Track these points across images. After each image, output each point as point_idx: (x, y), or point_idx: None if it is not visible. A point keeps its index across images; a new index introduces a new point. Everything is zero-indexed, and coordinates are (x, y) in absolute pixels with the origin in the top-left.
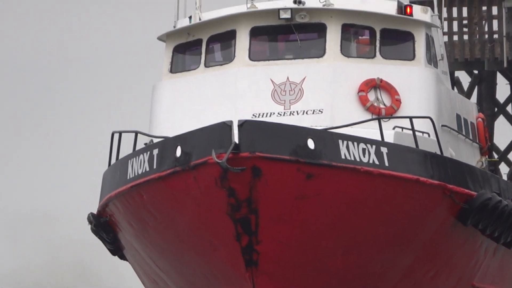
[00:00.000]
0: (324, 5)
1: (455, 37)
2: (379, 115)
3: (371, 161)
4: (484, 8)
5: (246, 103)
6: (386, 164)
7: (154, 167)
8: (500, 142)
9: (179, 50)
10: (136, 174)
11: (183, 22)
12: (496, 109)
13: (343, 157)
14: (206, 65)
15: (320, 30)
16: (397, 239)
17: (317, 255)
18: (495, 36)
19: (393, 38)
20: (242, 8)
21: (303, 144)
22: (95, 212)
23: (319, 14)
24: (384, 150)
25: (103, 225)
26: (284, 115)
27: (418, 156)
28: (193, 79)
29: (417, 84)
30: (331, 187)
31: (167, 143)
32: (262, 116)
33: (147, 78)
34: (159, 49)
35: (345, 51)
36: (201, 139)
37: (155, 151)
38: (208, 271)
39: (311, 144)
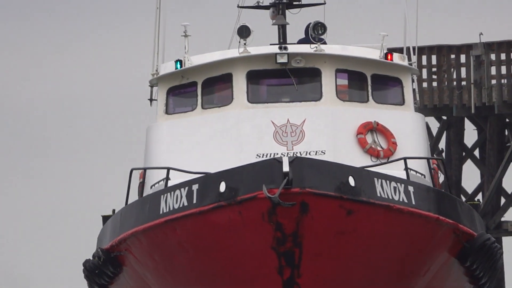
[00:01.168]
0: (315, 51)
1: (425, 84)
2: (378, 157)
3: (401, 199)
4: (453, 56)
5: (249, 143)
6: (413, 202)
7: (194, 202)
8: (468, 185)
9: (173, 92)
10: (170, 209)
11: (168, 66)
12: (464, 154)
13: (378, 194)
14: (203, 107)
15: (315, 75)
16: (413, 273)
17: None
18: (463, 83)
19: (383, 83)
20: (234, 52)
21: (345, 181)
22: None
23: (313, 59)
24: (411, 189)
25: (111, 260)
26: (287, 155)
27: (436, 196)
28: (191, 120)
29: (410, 128)
30: (366, 223)
31: (210, 179)
32: (266, 156)
33: (130, 119)
34: (142, 92)
35: (340, 95)
36: (249, 175)
37: (195, 187)
38: None
39: (351, 181)
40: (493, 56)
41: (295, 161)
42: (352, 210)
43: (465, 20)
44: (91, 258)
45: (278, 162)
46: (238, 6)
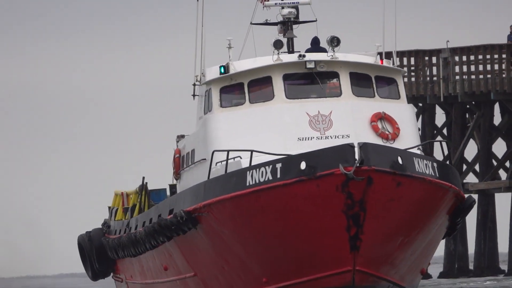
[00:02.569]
0: (331, 59)
1: (405, 79)
2: (387, 139)
3: (430, 173)
4: (426, 58)
5: (291, 130)
6: (437, 175)
7: (278, 176)
8: (438, 155)
9: (224, 90)
10: (256, 182)
11: (213, 70)
12: (435, 132)
13: (416, 169)
14: (250, 102)
15: (334, 76)
16: (430, 228)
17: (390, 243)
18: (434, 78)
19: (383, 83)
20: (269, 60)
21: (396, 160)
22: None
23: (333, 65)
24: (435, 165)
25: (192, 219)
26: (321, 139)
27: (447, 169)
28: (241, 112)
29: (406, 117)
30: (408, 192)
31: (291, 159)
32: (305, 140)
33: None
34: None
35: (355, 92)
36: (326, 156)
37: (278, 165)
38: (312, 254)
39: (400, 160)
40: (457, 58)
41: (363, 146)
42: (401, 182)
43: (435, 30)
44: (164, 218)
45: (350, 147)
46: (251, 23)
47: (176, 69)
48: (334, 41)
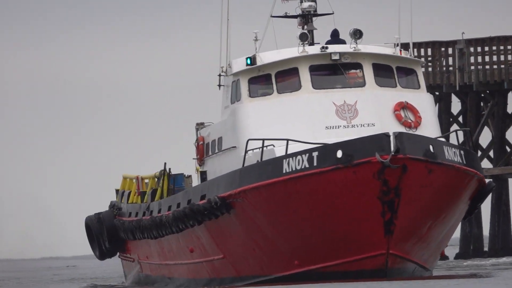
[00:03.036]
0: (354, 50)
1: (422, 69)
2: (410, 127)
3: (457, 160)
4: (443, 49)
5: (318, 118)
6: (464, 162)
7: (315, 164)
8: (454, 141)
9: (253, 81)
10: (293, 169)
11: (239, 61)
12: (451, 119)
13: (446, 157)
14: (278, 92)
15: (358, 67)
16: (455, 211)
17: (420, 227)
18: (450, 68)
19: (403, 73)
20: (294, 52)
21: (428, 148)
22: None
23: (356, 56)
24: (462, 152)
25: (226, 204)
26: (348, 127)
27: (472, 156)
28: (270, 102)
29: (426, 105)
30: (438, 178)
31: (328, 148)
32: (332, 128)
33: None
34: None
35: (378, 82)
36: (362, 145)
37: (315, 153)
38: (347, 238)
39: (431, 148)
40: (472, 49)
41: (398, 135)
42: (432, 169)
43: (451, 22)
44: (195, 203)
45: (386, 136)
46: (271, 16)
47: (195, 60)
48: (357, 34)
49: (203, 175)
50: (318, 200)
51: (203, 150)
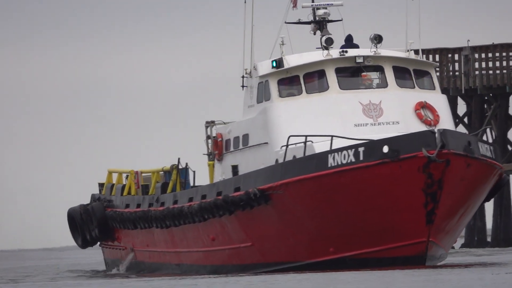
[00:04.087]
0: (374, 53)
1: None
2: (430, 125)
3: (490, 155)
4: (449, 55)
5: (347, 117)
6: (493, 156)
7: (361, 159)
8: None
9: (282, 82)
10: (338, 163)
11: (264, 64)
12: (457, 120)
13: (481, 152)
14: (307, 92)
15: (380, 70)
16: (480, 201)
17: (454, 217)
18: (457, 73)
19: (420, 75)
20: (319, 55)
21: (467, 144)
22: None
23: (378, 59)
24: (492, 148)
25: (264, 196)
26: (374, 125)
27: (496, 150)
28: (300, 102)
29: (442, 105)
30: (475, 172)
31: (374, 143)
32: (360, 126)
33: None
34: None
35: (398, 83)
36: (408, 141)
37: (361, 149)
38: (389, 226)
39: (469, 144)
40: (476, 55)
41: (443, 132)
42: (470, 164)
43: (457, 30)
44: (228, 195)
45: (432, 133)
46: (286, 22)
47: (203, 61)
48: (377, 38)
49: (235, 169)
50: (363, 192)
51: (222, 146)
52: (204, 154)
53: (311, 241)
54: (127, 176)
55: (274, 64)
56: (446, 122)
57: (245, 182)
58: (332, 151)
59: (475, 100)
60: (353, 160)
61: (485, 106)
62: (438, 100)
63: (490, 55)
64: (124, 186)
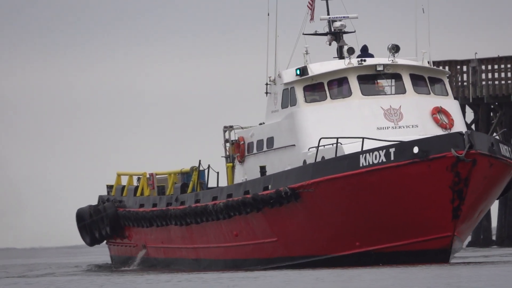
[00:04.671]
0: (392, 62)
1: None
2: (446, 128)
3: (509, 155)
4: (458, 67)
5: (370, 121)
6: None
7: (392, 159)
8: None
9: (307, 89)
10: (370, 163)
11: (289, 72)
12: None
13: (502, 153)
14: (331, 98)
15: (398, 77)
16: (495, 198)
17: (475, 212)
18: (465, 83)
19: (434, 82)
20: (341, 63)
21: (490, 145)
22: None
23: (396, 67)
24: (510, 149)
25: (295, 194)
26: (395, 128)
27: None
28: (325, 107)
29: (455, 110)
30: (496, 171)
31: (404, 144)
32: (382, 129)
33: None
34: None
35: (415, 90)
36: (438, 142)
37: (392, 150)
38: (417, 221)
39: (492, 145)
40: (483, 67)
41: (470, 134)
42: (493, 163)
43: (465, 43)
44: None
45: (461, 134)
46: (303, 34)
47: (219, 69)
48: (395, 48)
49: (263, 169)
50: (394, 190)
51: (244, 149)
52: (222, 156)
53: (337, 236)
54: (138, 178)
55: (298, 72)
56: (459, 125)
57: (275, 181)
58: (363, 151)
59: (482, 108)
60: (384, 160)
61: (491, 114)
62: (451, 105)
63: (496, 66)
64: (136, 187)
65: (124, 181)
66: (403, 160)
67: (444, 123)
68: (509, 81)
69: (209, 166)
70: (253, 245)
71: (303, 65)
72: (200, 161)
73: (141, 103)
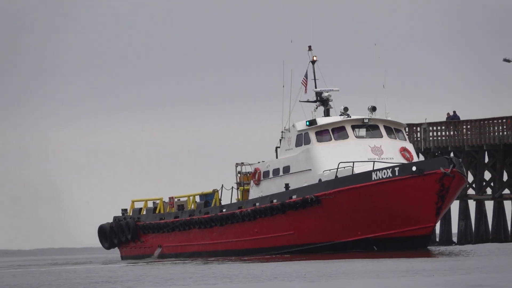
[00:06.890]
0: (371, 117)
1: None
2: (409, 161)
3: (463, 172)
4: (414, 127)
5: (362, 154)
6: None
7: (396, 174)
8: None
9: (317, 133)
10: (380, 178)
11: (300, 123)
12: None
13: (463, 171)
14: (335, 139)
15: (376, 127)
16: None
17: (445, 211)
18: (418, 138)
19: (397, 131)
20: (338, 117)
21: (460, 166)
22: None
23: (375, 121)
24: (463, 168)
25: (317, 200)
26: (380, 160)
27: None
28: (330, 145)
29: (412, 150)
30: (460, 183)
31: (406, 165)
32: (373, 159)
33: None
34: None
35: (388, 135)
36: (430, 163)
37: (396, 168)
38: (411, 216)
39: (460, 166)
40: (431, 128)
41: (452, 158)
42: (460, 178)
43: (416, 108)
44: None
45: (448, 158)
46: (300, 101)
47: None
48: (373, 108)
49: (287, 186)
50: (396, 196)
51: (260, 175)
52: (235, 182)
53: (344, 227)
54: (153, 202)
55: (308, 123)
56: (416, 159)
57: (300, 192)
58: (375, 170)
59: (430, 155)
60: (390, 175)
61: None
62: (410, 146)
63: (440, 127)
64: (155, 207)
65: (137, 206)
66: (405, 175)
67: (408, 157)
68: (445, 138)
69: (222, 186)
70: (271, 237)
71: (312, 119)
72: (222, 185)
73: (166, 155)
